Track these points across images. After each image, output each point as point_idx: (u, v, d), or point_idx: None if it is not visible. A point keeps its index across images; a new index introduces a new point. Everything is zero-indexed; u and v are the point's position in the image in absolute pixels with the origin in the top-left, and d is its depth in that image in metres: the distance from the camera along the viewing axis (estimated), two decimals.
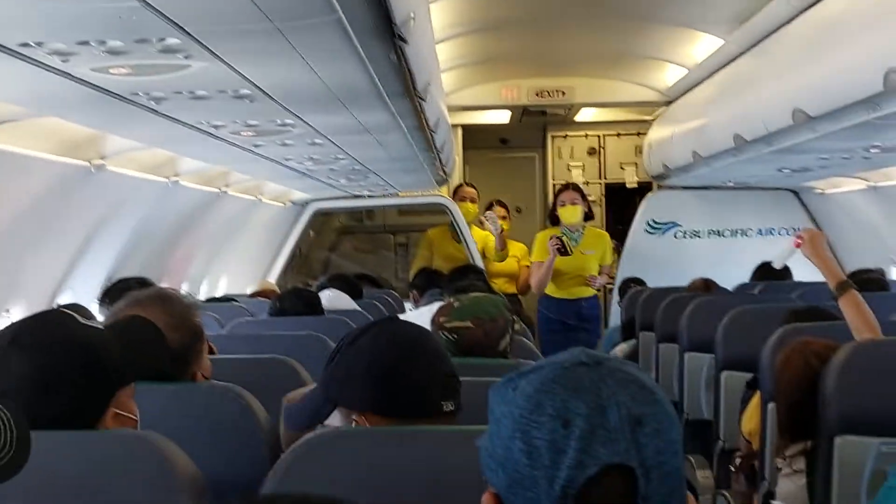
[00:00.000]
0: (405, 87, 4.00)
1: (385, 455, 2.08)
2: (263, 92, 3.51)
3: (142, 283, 5.43)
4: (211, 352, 3.71)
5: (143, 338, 2.77)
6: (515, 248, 9.94)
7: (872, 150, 6.13)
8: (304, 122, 4.37)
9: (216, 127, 4.36)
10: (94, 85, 3.27)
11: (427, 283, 7.53)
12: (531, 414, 1.38)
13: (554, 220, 9.14)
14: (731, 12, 6.78)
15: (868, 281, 6.56)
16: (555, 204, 9.16)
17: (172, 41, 2.67)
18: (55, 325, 2.28)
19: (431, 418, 2.28)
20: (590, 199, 11.63)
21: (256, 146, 5.09)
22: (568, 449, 1.35)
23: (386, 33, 3.04)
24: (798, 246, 4.39)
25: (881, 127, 5.05)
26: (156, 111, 3.80)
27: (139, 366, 2.46)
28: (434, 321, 3.51)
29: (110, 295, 5.07)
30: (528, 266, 9.55)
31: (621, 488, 1.36)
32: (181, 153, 5.62)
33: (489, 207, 10.07)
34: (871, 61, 4.35)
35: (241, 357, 3.72)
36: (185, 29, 2.55)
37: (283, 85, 3.51)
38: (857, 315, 4.20)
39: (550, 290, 9.09)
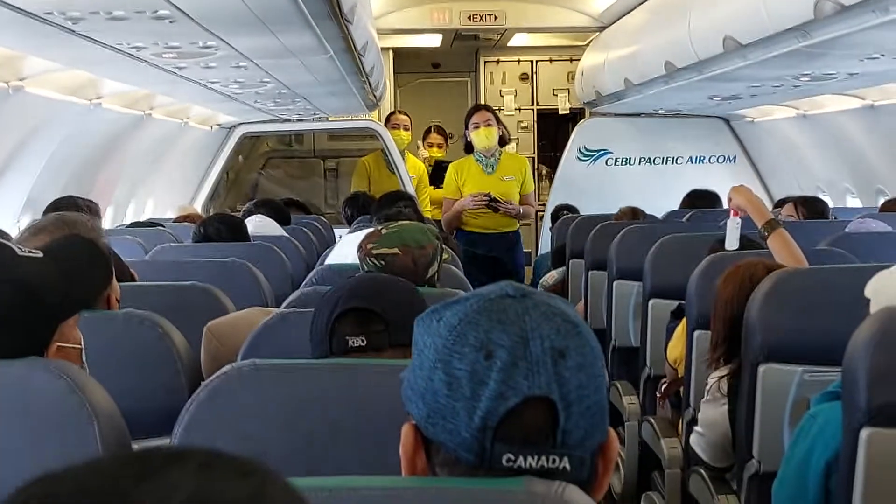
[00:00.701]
0: (330, 8, 3.92)
1: (301, 388, 2.05)
2: (183, 12, 3.42)
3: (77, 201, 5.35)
4: (132, 279, 3.65)
5: (84, 264, 2.69)
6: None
7: (802, 79, 6.14)
8: (227, 44, 4.27)
9: (137, 49, 4.26)
10: (7, 3, 3.16)
11: (358, 210, 7.48)
12: (453, 344, 1.36)
13: (469, 148, 8.27)
14: None
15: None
16: (466, 127, 8.23)
17: None
18: None
19: (348, 355, 2.29)
20: (521, 125, 11.64)
21: (179, 69, 4.99)
22: (489, 380, 1.33)
23: None
24: (737, 215, 4.43)
25: (811, 55, 5.05)
26: (73, 31, 3.70)
27: (80, 295, 2.39)
28: (361, 247, 3.47)
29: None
30: None
31: (541, 421, 1.34)
32: (102, 75, 5.49)
33: (427, 133, 9.99)
34: None
35: (161, 284, 3.66)
36: None
37: (203, 5, 3.42)
38: (786, 253, 4.22)
39: (470, 223, 8.22)
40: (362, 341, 2.33)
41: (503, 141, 8.23)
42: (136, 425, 2.38)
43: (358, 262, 3.47)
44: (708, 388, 3.93)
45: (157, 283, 3.68)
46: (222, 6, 3.42)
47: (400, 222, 3.66)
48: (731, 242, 4.36)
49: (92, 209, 5.46)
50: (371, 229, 3.68)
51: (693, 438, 4.02)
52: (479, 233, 8.18)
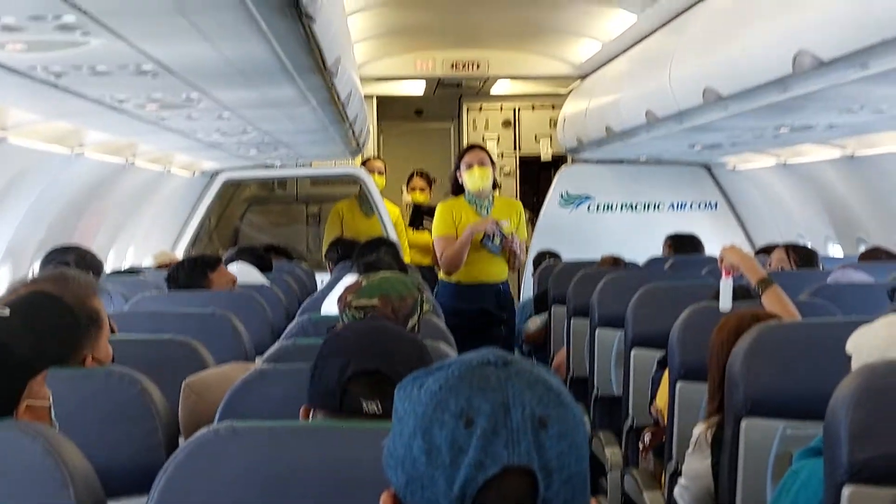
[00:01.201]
0: (315, 63, 3.93)
1: (282, 453, 2.03)
2: (166, 68, 3.43)
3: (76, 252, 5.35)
4: (112, 331, 3.63)
5: (52, 321, 2.68)
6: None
7: (782, 130, 6.18)
8: (210, 96, 4.28)
9: (120, 101, 4.26)
10: None
11: (341, 255, 7.46)
12: (434, 412, 1.35)
13: (457, 189, 7.44)
14: None
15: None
16: (457, 168, 7.43)
17: (69, 19, 2.58)
18: None
19: (359, 417, 2.25)
20: (504, 171, 11.67)
21: (162, 119, 4.99)
22: (468, 448, 1.32)
23: (291, 10, 2.97)
24: (729, 275, 4.45)
25: (790, 107, 5.09)
26: (56, 85, 3.70)
27: (50, 352, 2.38)
28: (341, 299, 3.47)
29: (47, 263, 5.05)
30: None
31: (521, 491, 1.33)
32: (85, 126, 5.49)
33: (410, 178, 10.00)
34: (781, 43, 4.36)
35: (140, 338, 3.63)
36: (81, 7, 2.46)
37: (185, 61, 3.42)
38: (781, 309, 4.23)
39: (458, 273, 7.32)
40: (377, 407, 2.27)
41: (494, 184, 7.51)
42: (114, 483, 2.37)
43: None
44: (694, 439, 3.92)
45: (135, 336, 3.65)
46: (205, 61, 3.43)
47: (381, 273, 3.67)
48: (725, 303, 4.36)
49: (89, 260, 5.45)
50: (353, 280, 3.67)
51: (677, 491, 4.01)
52: (467, 284, 7.31)
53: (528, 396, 1.36)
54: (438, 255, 7.36)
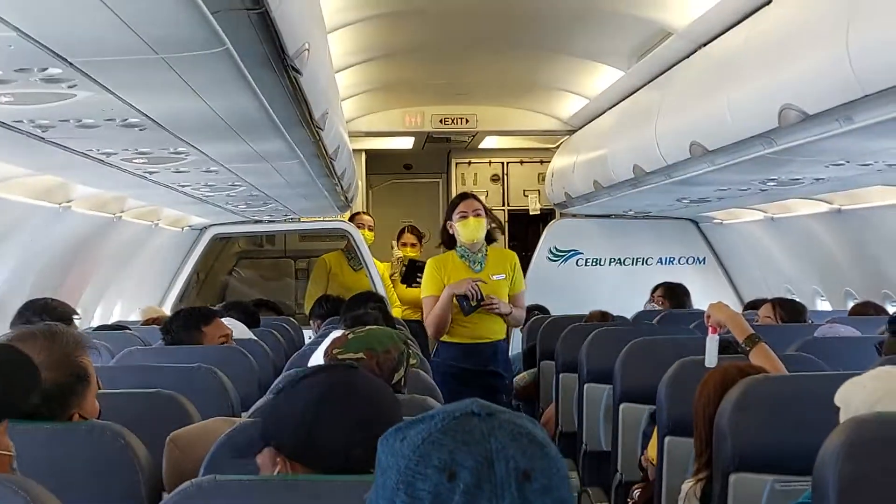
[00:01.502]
0: (302, 116, 3.94)
1: None
2: (153, 121, 3.43)
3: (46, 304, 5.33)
4: (97, 387, 3.60)
5: (14, 373, 2.66)
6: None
7: (769, 183, 6.19)
8: (198, 149, 4.28)
9: (107, 154, 4.26)
10: None
11: (327, 311, 7.43)
12: (417, 465, 1.33)
13: (449, 242, 6.84)
14: (631, 46, 6.84)
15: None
16: (449, 218, 6.83)
17: (54, 71, 2.59)
18: None
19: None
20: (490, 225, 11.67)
21: (150, 173, 4.98)
22: (452, 503, 1.30)
23: (278, 64, 2.97)
24: (715, 332, 4.45)
25: (776, 161, 5.10)
26: (42, 138, 3.69)
27: (9, 403, 2.35)
28: (327, 353, 3.45)
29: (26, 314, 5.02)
30: None
31: None
32: (71, 180, 5.47)
33: (401, 233, 9.99)
34: (767, 97, 4.39)
35: (124, 392, 3.60)
36: (67, 59, 2.46)
37: (173, 114, 3.43)
38: (769, 366, 4.22)
39: (455, 332, 6.76)
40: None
41: (490, 237, 6.87)
42: None
43: None
44: (683, 494, 3.89)
45: (120, 390, 3.62)
46: (192, 115, 3.43)
47: (367, 327, 3.65)
48: (711, 360, 4.35)
49: (59, 312, 5.42)
50: (339, 334, 3.66)
51: None
52: (467, 344, 6.73)
53: (513, 449, 1.34)
54: (425, 316, 6.81)
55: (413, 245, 9.89)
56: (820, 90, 3.91)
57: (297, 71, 3.03)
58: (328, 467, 2.21)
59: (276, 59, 2.91)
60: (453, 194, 11.93)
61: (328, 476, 2.10)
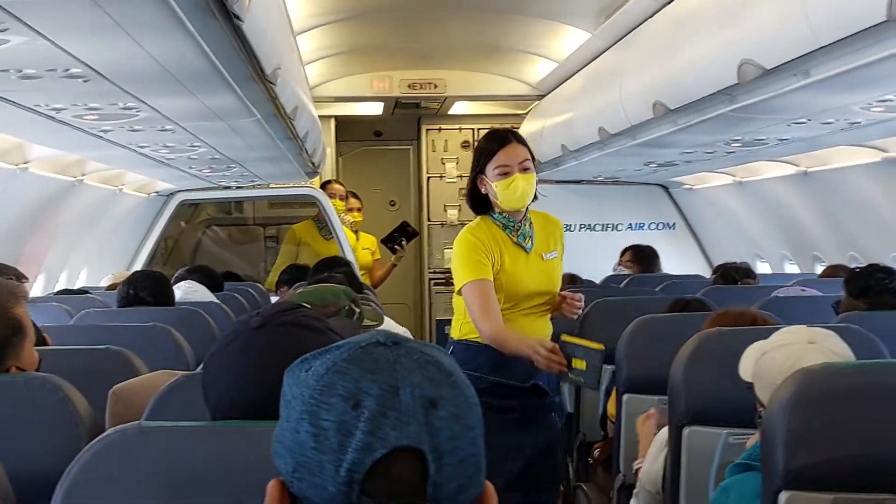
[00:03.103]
0: (252, 70, 3.88)
1: (191, 454, 1.98)
2: (96, 71, 3.37)
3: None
4: (44, 343, 3.57)
5: None
6: (368, 240, 9.85)
7: (734, 145, 6.18)
8: (149, 105, 4.22)
9: (56, 110, 4.20)
10: None
11: (293, 278, 7.40)
12: (321, 395, 1.30)
13: (480, 204, 4.55)
14: (597, 6, 6.81)
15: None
16: (480, 170, 4.47)
17: None
18: None
19: None
20: (463, 192, 11.63)
21: (104, 132, 4.92)
22: (356, 431, 1.27)
23: (219, 10, 2.92)
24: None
25: (739, 120, 5.09)
26: None
27: None
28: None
29: None
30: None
31: (410, 473, 1.29)
32: (25, 138, 5.41)
33: (344, 199, 9.95)
34: (726, 53, 4.38)
35: (73, 348, 3.59)
36: None
37: (115, 64, 3.36)
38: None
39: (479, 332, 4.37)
40: None
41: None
42: (34, 490, 2.30)
43: None
44: (662, 441, 3.86)
45: (68, 346, 3.60)
46: (135, 65, 3.36)
47: (317, 285, 3.61)
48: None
49: (17, 276, 5.40)
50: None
51: (636, 490, 3.96)
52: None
53: (419, 377, 1.32)
54: (476, 313, 4.33)
55: (359, 209, 9.87)
56: (777, 44, 3.90)
57: (239, 18, 2.98)
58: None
59: (216, 4, 2.85)
60: (424, 161, 11.90)
61: (253, 422, 2.06)
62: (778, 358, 2.89)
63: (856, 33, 3.32)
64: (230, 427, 2.06)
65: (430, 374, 1.33)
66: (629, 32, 6.55)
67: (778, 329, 3.57)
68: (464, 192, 5.30)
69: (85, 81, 3.50)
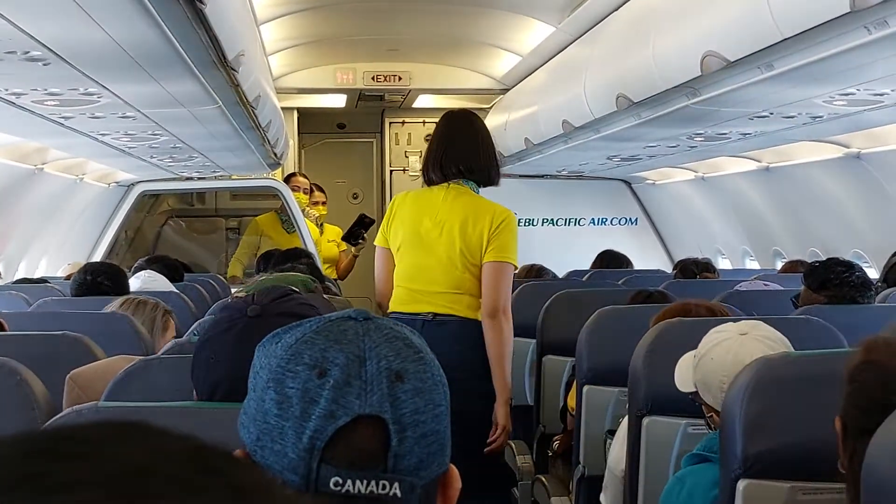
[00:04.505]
0: (215, 55, 3.86)
1: None
2: (56, 54, 3.33)
3: None
4: (0, 328, 3.55)
5: None
6: (333, 232, 9.83)
7: (697, 139, 6.20)
8: (110, 91, 4.18)
9: (16, 95, 4.16)
10: None
11: (260, 268, 7.37)
12: (287, 363, 1.31)
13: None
14: (562, 0, 6.80)
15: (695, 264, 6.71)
16: None
17: None
18: None
19: None
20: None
21: (65, 118, 4.88)
22: (320, 399, 1.28)
23: None
24: None
25: (702, 113, 5.11)
26: None
27: None
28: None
29: None
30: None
31: (372, 442, 1.29)
32: None
33: (309, 192, 9.92)
34: (690, 46, 4.39)
35: (29, 333, 3.55)
36: None
37: (75, 47, 3.33)
38: None
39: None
40: None
41: None
42: None
43: None
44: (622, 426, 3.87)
45: (24, 332, 3.56)
46: (97, 49, 3.33)
47: (275, 275, 3.59)
48: None
49: None
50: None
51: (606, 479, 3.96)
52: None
53: (386, 349, 1.32)
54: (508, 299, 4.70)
55: (324, 203, 9.85)
56: (740, 36, 3.91)
57: (201, 1, 2.95)
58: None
59: None
60: (387, 154, 11.88)
61: (213, 403, 2.05)
62: (717, 357, 2.90)
63: (819, 25, 3.33)
64: (189, 408, 2.05)
65: (398, 348, 1.34)
66: (594, 26, 6.56)
67: (736, 317, 3.59)
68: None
69: (45, 65, 3.47)
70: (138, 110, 4.78)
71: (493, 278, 4.54)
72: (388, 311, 4.72)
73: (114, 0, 2.71)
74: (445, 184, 4.72)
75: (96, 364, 3.18)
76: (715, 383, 2.81)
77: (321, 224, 9.81)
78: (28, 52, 3.29)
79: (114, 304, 4.35)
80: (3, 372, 2.73)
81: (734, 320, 3.16)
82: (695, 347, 3.37)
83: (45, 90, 4.09)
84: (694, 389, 3.02)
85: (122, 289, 5.12)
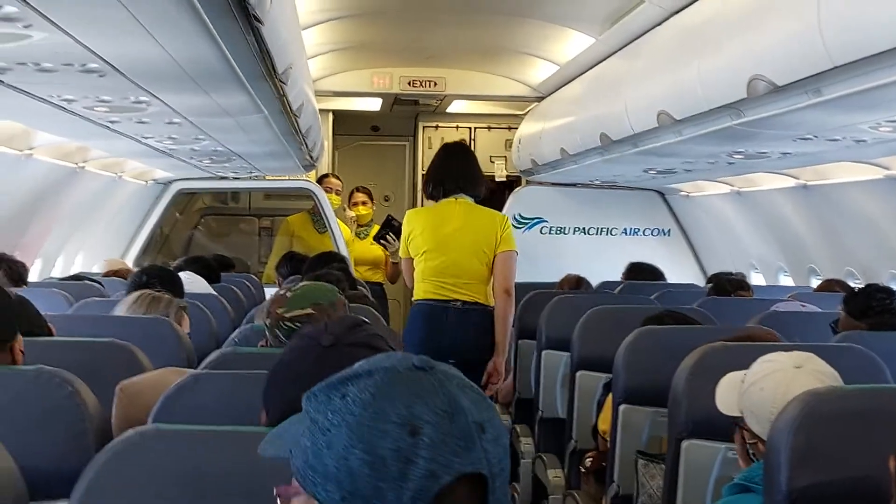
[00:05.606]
0: (265, 69, 3.88)
1: (206, 456, 1.99)
2: (113, 67, 3.37)
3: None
4: (49, 333, 3.58)
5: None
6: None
7: (736, 156, 6.18)
8: (160, 100, 4.22)
9: (68, 101, 4.20)
10: None
11: (291, 270, 7.40)
12: (373, 422, 1.30)
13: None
14: (603, 12, 6.80)
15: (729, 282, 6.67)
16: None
17: (9, 9, 2.53)
18: None
19: None
20: None
21: (112, 122, 4.92)
22: (417, 458, 1.28)
23: (240, 12, 2.93)
24: None
25: (744, 133, 5.09)
26: (1, 82, 3.63)
27: None
28: (269, 313, 3.40)
29: None
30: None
31: (474, 497, 1.31)
32: (33, 126, 5.41)
33: (351, 194, 9.94)
34: (736, 67, 4.37)
35: (77, 340, 3.57)
36: None
37: (132, 60, 3.37)
38: None
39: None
40: None
41: None
42: (41, 486, 2.32)
43: None
44: None
45: (73, 338, 3.59)
46: (152, 62, 3.37)
47: (302, 283, 3.61)
48: None
49: (15, 268, 5.44)
50: (272, 298, 3.58)
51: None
52: None
53: (466, 401, 1.34)
54: (514, 278, 6.32)
55: (364, 203, 9.82)
56: (790, 61, 3.89)
57: (259, 20, 2.98)
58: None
59: (238, 6, 2.86)
60: (420, 158, 11.91)
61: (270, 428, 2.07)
62: (767, 388, 2.90)
63: (871, 56, 3.32)
64: (248, 432, 2.07)
65: (474, 398, 1.35)
66: (634, 40, 6.55)
67: (781, 345, 3.59)
68: None
69: (100, 76, 3.51)
70: (185, 117, 4.82)
71: (506, 265, 6.17)
72: (417, 299, 6.25)
73: (176, 19, 2.73)
74: (452, 198, 6.24)
75: (146, 376, 3.21)
76: (764, 414, 2.82)
77: (363, 225, 9.78)
78: (85, 65, 3.32)
79: (129, 300, 4.38)
80: (55, 383, 2.76)
81: (784, 348, 3.16)
82: (737, 371, 3.39)
83: (97, 97, 4.13)
84: (738, 414, 3.02)
85: (176, 294, 5.16)
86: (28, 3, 2.46)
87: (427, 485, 1.28)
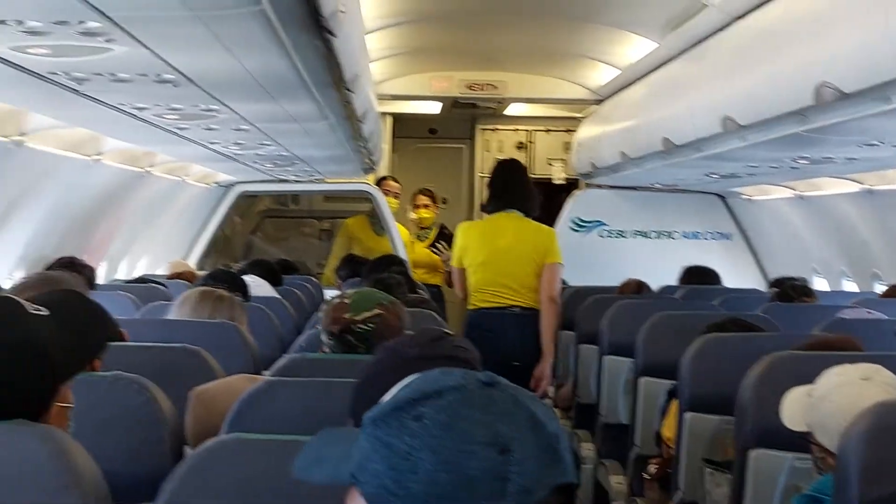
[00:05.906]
0: (333, 78, 3.93)
1: (287, 465, 2.01)
2: (187, 78, 3.43)
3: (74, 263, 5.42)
4: (120, 338, 3.63)
5: (85, 322, 2.67)
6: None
7: (800, 161, 6.15)
8: (229, 108, 4.28)
9: (139, 109, 4.26)
10: (11, 63, 3.16)
11: (351, 272, 7.46)
12: (458, 444, 1.30)
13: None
14: (665, 16, 6.77)
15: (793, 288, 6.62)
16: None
17: (93, 24, 2.58)
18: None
19: None
20: None
21: (181, 129, 4.99)
22: (510, 475, 1.29)
23: (313, 26, 2.97)
24: None
25: (810, 139, 5.06)
26: (76, 91, 3.70)
27: (82, 354, 2.35)
28: (336, 321, 3.40)
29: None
30: None
31: None
32: (104, 133, 5.49)
33: (414, 196, 9.97)
34: (803, 74, 4.34)
35: (149, 345, 3.61)
36: (106, 14, 2.46)
37: (206, 72, 3.42)
38: None
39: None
40: None
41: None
42: (120, 490, 2.35)
43: None
44: None
45: (145, 343, 3.64)
46: (225, 73, 3.42)
47: (352, 290, 3.62)
48: None
49: (85, 273, 5.52)
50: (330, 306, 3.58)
51: None
52: None
53: (540, 414, 1.35)
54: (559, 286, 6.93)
55: (426, 206, 9.84)
56: (858, 69, 3.87)
57: (332, 33, 3.02)
58: None
59: (311, 20, 2.90)
60: (478, 160, 11.93)
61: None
62: (836, 401, 2.89)
63: None
64: None
65: (542, 409, 1.36)
66: (697, 44, 6.52)
67: (848, 354, 3.56)
68: None
69: (174, 86, 3.57)
70: (252, 124, 4.88)
71: (552, 275, 6.71)
72: (474, 305, 6.74)
73: (251, 33, 2.78)
74: (504, 213, 6.76)
75: (220, 382, 3.26)
76: (834, 427, 2.81)
77: (425, 228, 9.81)
78: (160, 75, 3.38)
79: (192, 299, 4.42)
80: (134, 389, 2.81)
81: (850, 359, 3.15)
82: (806, 381, 3.38)
83: (168, 106, 4.20)
84: (804, 430, 3.01)
85: (243, 298, 5.23)
86: (112, 20, 2.51)
87: (523, 500, 1.29)
